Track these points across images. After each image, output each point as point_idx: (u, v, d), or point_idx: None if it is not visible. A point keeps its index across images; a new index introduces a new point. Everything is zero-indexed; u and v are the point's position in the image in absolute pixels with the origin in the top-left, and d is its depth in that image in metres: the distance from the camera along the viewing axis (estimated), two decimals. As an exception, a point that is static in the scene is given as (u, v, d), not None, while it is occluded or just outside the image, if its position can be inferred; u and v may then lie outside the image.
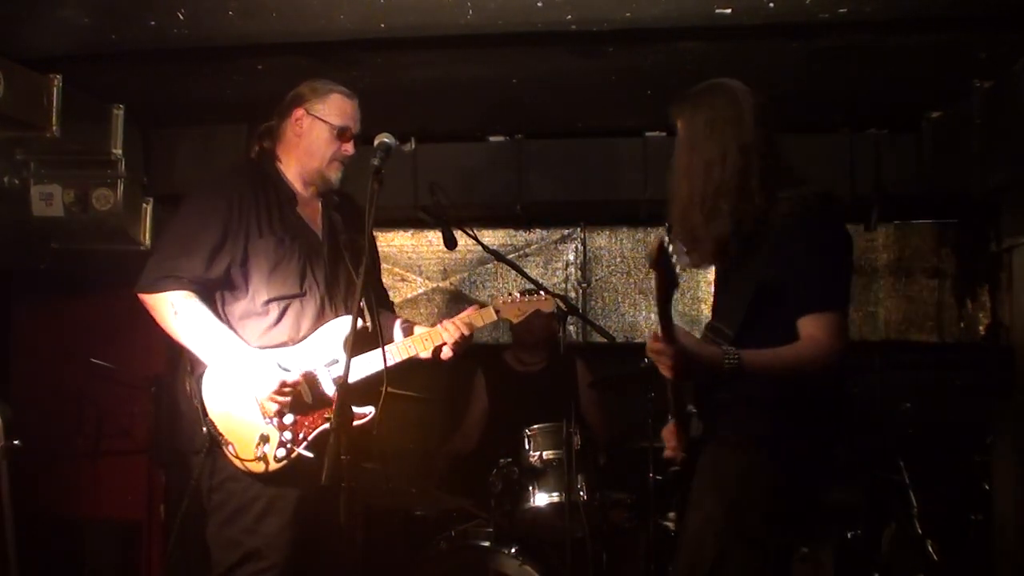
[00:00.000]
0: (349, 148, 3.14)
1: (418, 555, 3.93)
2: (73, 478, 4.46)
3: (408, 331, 3.25)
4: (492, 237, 5.55)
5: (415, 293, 5.65)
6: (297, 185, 3.16)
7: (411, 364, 3.17)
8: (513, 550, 3.84)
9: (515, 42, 3.46)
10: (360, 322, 3.08)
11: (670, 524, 2.87)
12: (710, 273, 5.47)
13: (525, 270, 3.60)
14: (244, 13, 3.19)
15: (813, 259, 2.56)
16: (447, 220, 3.31)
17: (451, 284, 5.63)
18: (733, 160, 2.65)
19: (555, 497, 3.87)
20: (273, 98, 3.14)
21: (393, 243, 5.66)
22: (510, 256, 5.15)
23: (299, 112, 3.12)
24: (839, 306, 2.56)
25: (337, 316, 3.12)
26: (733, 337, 2.55)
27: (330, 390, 3.03)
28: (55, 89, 3.66)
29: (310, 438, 2.99)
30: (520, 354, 5.02)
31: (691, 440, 2.75)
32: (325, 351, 3.06)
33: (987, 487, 4.24)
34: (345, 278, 3.18)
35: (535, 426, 4.04)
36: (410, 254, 5.67)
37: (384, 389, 2.62)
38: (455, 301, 5.62)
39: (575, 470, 3.79)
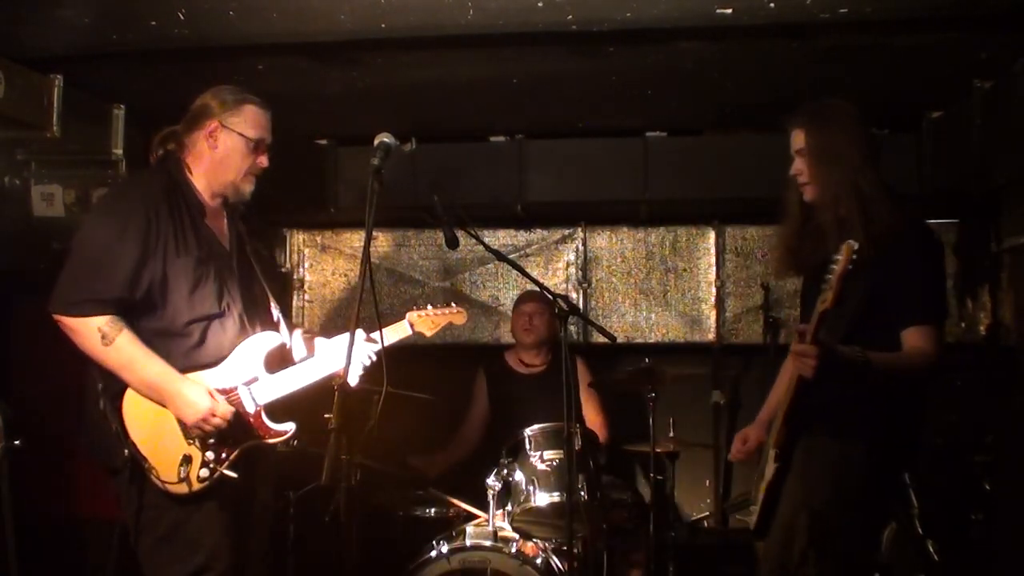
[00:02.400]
0: (264, 161, 3.09)
1: (418, 555, 3.93)
2: (73, 478, 4.46)
3: (309, 343, 3.26)
4: (492, 237, 5.55)
5: (416, 293, 5.65)
6: (205, 196, 3.07)
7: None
8: (513, 550, 3.84)
9: (515, 42, 3.45)
10: (280, 339, 3.14)
11: (749, 520, 3.15)
12: (710, 274, 5.49)
13: (526, 270, 3.60)
14: (244, 13, 3.19)
15: (918, 275, 2.82)
16: (448, 220, 3.31)
17: (452, 284, 5.63)
18: (872, 176, 2.90)
19: (555, 497, 3.87)
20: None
21: (394, 243, 5.67)
22: (511, 256, 5.14)
23: (213, 124, 3.00)
24: (940, 319, 2.87)
25: (255, 332, 3.08)
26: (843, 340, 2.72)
27: (251, 408, 3.01)
28: (55, 89, 3.66)
29: (232, 458, 2.96)
30: (521, 355, 5.02)
31: (788, 440, 2.92)
32: (245, 369, 3.03)
33: (987, 487, 4.24)
34: (259, 290, 3.17)
35: (536, 426, 4.04)
36: (411, 254, 5.68)
37: (384, 389, 2.62)
38: (456, 301, 5.61)
39: (575, 470, 3.79)
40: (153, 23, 3.25)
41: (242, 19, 3.21)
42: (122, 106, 4.08)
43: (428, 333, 3.44)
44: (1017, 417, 3.97)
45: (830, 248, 2.78)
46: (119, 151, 4.09)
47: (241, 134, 3.01)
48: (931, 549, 4.10)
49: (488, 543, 3.86)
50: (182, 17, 3.20)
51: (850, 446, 2.82)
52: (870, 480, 2.84)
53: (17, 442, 3.04)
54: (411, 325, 3.38)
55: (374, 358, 3.17)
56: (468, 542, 3.87)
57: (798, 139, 3.00)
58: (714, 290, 5.50)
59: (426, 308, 3.45)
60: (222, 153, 3.02)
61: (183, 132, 3.06)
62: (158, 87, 3.93)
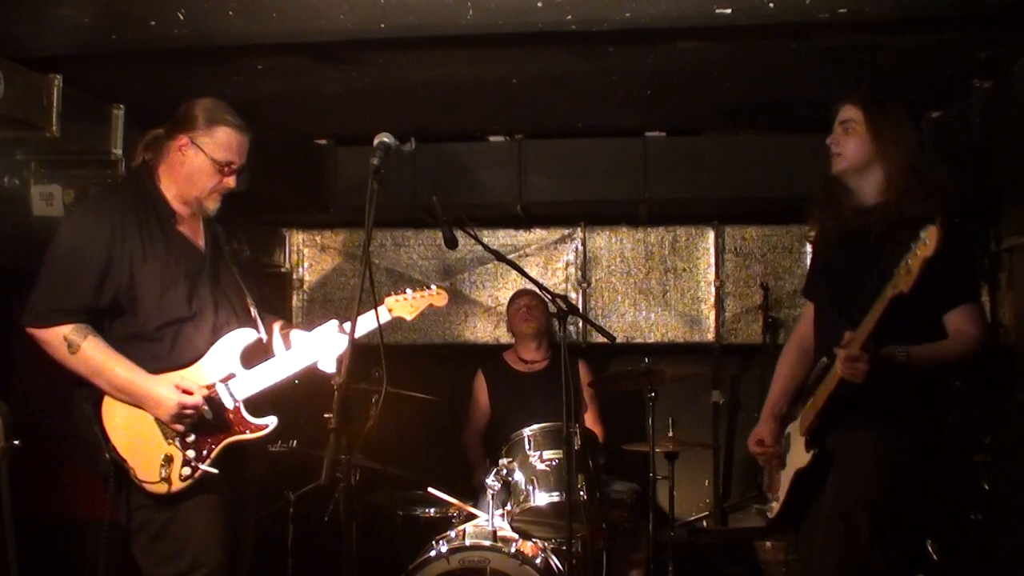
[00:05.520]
0: (231, 182, 3.10)
1: (418, 555, 3.93)
2: (72, 479, 4.46)
3: (286, 337, 3.26)
4: (492, 237, 5.56)
5: (415, 293, 5.65)
6: (176, 204, 3.10)
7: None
8: (512, 550, 3.84)
9: (515, 42, 3.45)
10: (256, 335, 3.15)
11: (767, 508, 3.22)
12: (709, 273, 5.49)
13: (525, 270, 3.60)
14: (244, 13, 3.19)
15: (953, 257, 2.77)
16: (447, 220, 3.31)
17: (451, 284, 5.63)
18: (921, 162, 2.99)
19: (555, 497, 3.87)
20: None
21: (393, 243, 5.67)
22: (510, 256, 5.15)
23: (183, 139, 3.04)
24: (978, 296, 2.92)
25: (230, 330, 3.10)
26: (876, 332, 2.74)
27: (230, 404, 3.04)
28: (55, 89, 3.66)
29: (213, 455, 2.98)
30: (521, 352, 5.02)
31: (821, 428, 2.95)
32: (221, 366, 3.05)
33: (986, 487, 4.24)
34: (234, 290, 3.17)
35: (535, 426, 4.04)
36: (410, 254, 5.68)
37: (384, 389, 2.62)
38: (455, 301, 5.62)
39: (575, 470, 3.79)
40: (153, 23, 3.24)
41: (242, 19, 3.21)
42: (122, 106, 4.08)
43: (408, 317, 3.38)
44: (1017, 417, 3.97)
45: (869, 226, 2.89)
46: (118, 151, 4.09)
47: (208, 155, 3.03)
48: (930, 549, 4.10)
49: (487, 543, 3.86)
50: (182, 17, 3.20)
51: (899, 436, 2.85)
52: (921, 467, 2.89)
53: (17, 442, 3.04)
54: (389, 311, 3.34)
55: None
56: (467, 542, 3.87)
57: (849, 111, 3.05)
58: (713, 290, 5.50)
59: (404, 292, 3.40)
60: (189, 169, 3.05)
61: (164, 136, 3.10)
62: (158, 87, 3.93)
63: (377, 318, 2.88)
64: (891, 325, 2.73)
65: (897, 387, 2.82)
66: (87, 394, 2.96)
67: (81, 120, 3.86)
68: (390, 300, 3.36)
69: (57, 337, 2.91)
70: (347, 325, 3.03)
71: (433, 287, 3.44)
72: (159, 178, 3.10)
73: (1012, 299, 4.46)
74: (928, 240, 2.53)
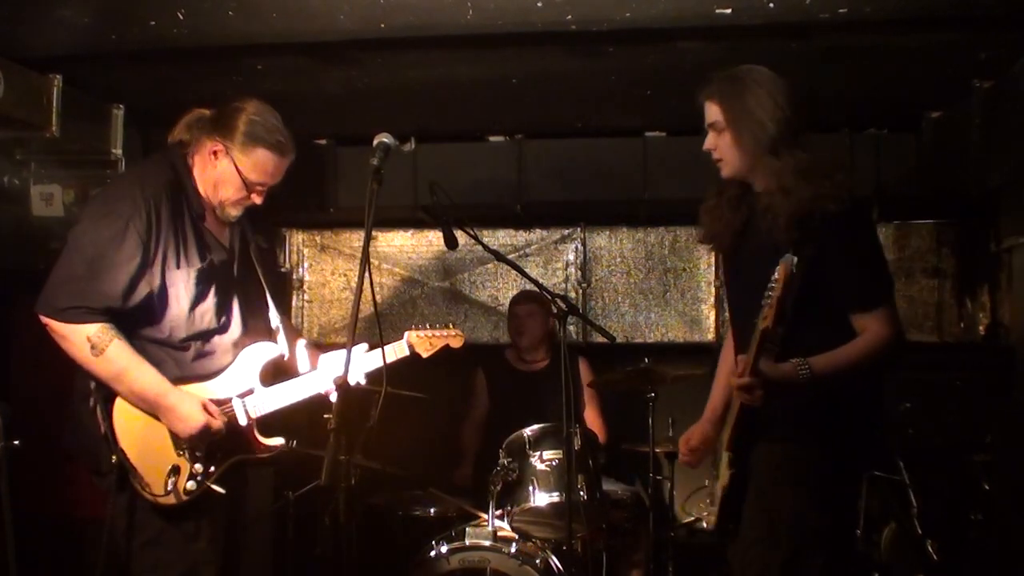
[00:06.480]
0: (257, 200, 2.99)
1: (417, 555, 3.93)
2: (73, 478, 4.46)
3: (313, 355, 3.21)
4: (492, 237, 5.55)
5: (415, 293, 5.65)
6: (204, 200, 3.00)
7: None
8: (513, 550, 3.84)
9: (515, 42, 3.45)
10: (278, 350, 3.10)
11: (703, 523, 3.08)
12: (709, 273, 5.49)
13: (525, 270, 3.60)
14: (244, 13, 3.19)
15: (858, 258, 2.66)
16: (447, 220, 3.32)
17: (451, 284, 5.63)
18: (792, 149, 2.71)
19: (555, 497, 3.87)
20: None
21: (393, 243, 5.67)
22: (510, 256, 5.15)
23: (219, 146, 2.91)
24: (888, 298, 2.69)
25: (254, 341, 3.05)
26: (784, 334, 2.59)
27: (243, 421, 2.98)
28: (55, 89, 3.66)
29: (220, 471, 2.92)
30: (521, 353, 5.02)
31: (740, 444, 2.80)
32: (240, 381, 3.00)
33: (986, 487, 4.24)
34: (257, 292, 3.11)
35: (535, 426, 4.04)
36: (410, 254, 5.68)
37: (383, 389, 2.61)
38: (455, 301, 5.62)
39: (575, 470, 3.79)
40: (152, 23, 3.25)
41: (241, 19, 3.21)
42: (121, 106, 4.08)
43: (424, 354, 3.39)
44: (1016, 417, 3.97)
45: (761, 228, 2.68)
46: (118, 151, 4.10)
47: (240, 172, 2.91)
48: (930, 549, 4.10)
49: (487, 543, 3.86)
50: (181, 17, 3.20)
51: (808, 450, 2.68)
52: (835, 480, 2.71)
53: (17, 442, 3.03)
54: (410, 347, 3.34)
55: (363, 383, 3.13)
56: (467, 542, 3.87)
57: (711, 111, 2.85)
58: (713, 290, 5.50)
59: (425, 328, 3.40)
60: (218, 176, 2.94)
61: (206, 127, 2.96)
62: (157, 87, 3.93)
63: (377, 320, 2.84)
64: (800, 331, 2.59)
65: (808, 397, 2.64)
66: (99, 387, 2.83)
67: (81, 120, 3.86)
68: (411, 335, 3.35)
69: (80, 336, 2.74)
70: (376, 351, 3.09)
71: (452, 327, 3.47)
72: (193, 165, 2.97)
73: (1012, 299, 4.47)
74: (777, 278, 2.40)
